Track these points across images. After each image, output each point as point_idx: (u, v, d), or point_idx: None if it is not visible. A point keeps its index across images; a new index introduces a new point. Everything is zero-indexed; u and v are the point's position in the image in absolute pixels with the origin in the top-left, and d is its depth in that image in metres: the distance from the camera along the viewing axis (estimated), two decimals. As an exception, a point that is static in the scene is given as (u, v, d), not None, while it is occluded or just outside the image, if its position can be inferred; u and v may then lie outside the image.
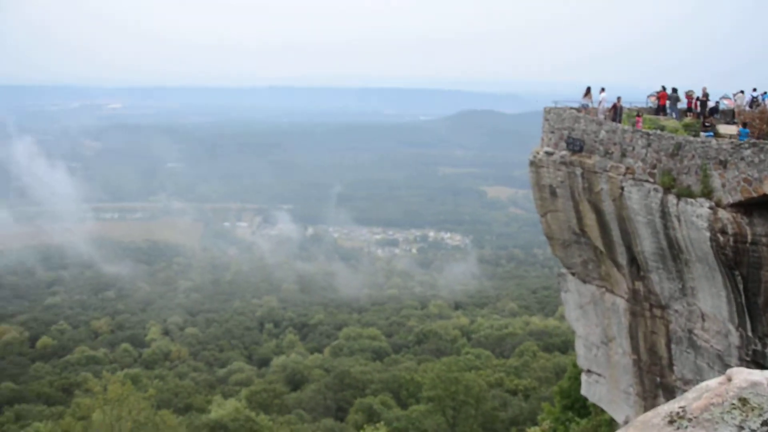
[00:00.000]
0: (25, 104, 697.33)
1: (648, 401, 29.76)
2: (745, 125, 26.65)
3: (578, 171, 29.79)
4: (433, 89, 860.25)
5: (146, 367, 78.33)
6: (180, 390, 63.48)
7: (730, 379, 5.78)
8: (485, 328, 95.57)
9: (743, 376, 5.82)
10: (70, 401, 56.83)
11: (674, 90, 34.21)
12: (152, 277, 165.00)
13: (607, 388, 33.90)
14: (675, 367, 27.98)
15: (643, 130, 27.69)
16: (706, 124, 29.18)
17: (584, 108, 32.49)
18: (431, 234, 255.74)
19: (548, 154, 31.86)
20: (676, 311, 27.21)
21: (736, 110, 30.55)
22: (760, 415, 5.28)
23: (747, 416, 5.31)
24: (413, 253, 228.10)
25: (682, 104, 34.31)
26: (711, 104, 31.24)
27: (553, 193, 32.13)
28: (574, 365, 41.53)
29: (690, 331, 26.58)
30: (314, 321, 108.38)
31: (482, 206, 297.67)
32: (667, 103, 33.75)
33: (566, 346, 73.49)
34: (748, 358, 23.24)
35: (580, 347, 36.20)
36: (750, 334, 23.82)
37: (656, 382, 29.40)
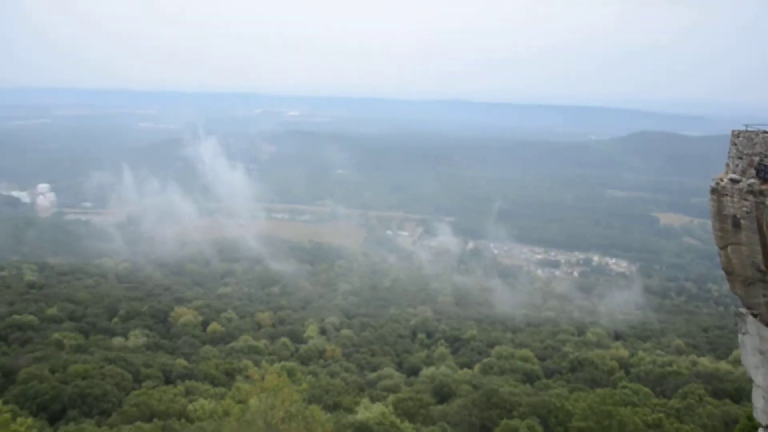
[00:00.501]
0: (214, 110, 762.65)
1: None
2: None
3: (768, 202, 27.06)
4: (607, 108, 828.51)
5: (301, 362, 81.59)
6: (330, 388, 65.37)
7: None
8: (646, 363, 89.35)
9: None
10: (231, 384, 60.52)
11: None
12: (314, 277, 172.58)
13: (788, 448, 30.34)
14: None
15: None
16: None
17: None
18: (595, 258, 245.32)
19: (734, 181, 29.20)
20: None
21: None
22: None
23: None
24: (574, 276, 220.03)
25: None
26: None
27: (737, 225, 29.40)
28: (749, 418, 37.56)
29: None
30: (467, 336, 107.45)
31: (652, 233, 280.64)
32: None
33: (740, 395, 66.94)
34: None
35: (758, 399, 32.68)
36: None
37: None
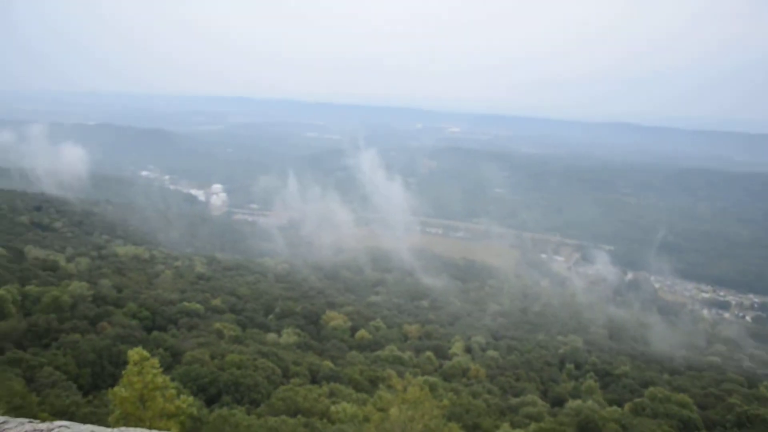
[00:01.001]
0: (377, 123, 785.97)
1: None
2: None
3: None
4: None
5: (444, 379, 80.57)
6: (471, 408, 63.83)
7: None
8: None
9: None
10: (373, 391, 60.84)
11: None
12: (464, 294, 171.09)
13: None
14: None
15: None
16: None
17: None
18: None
19: None
20: None
21: None
22: None
23: None
24: (747, 320, 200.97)
25: None
26: None
27: None
28: None
29: None
30: (618, 371, 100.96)
31: None
32: None
33: None
34: None
35: None
36: None
37: None
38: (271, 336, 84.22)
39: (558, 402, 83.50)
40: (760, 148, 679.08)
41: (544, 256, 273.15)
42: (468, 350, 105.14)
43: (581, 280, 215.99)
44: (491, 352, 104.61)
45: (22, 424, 11.50)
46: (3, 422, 11.53)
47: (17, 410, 22.66)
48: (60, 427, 11.31)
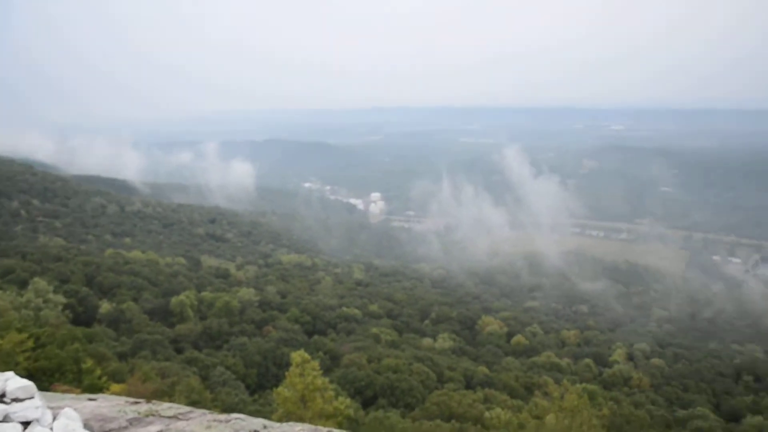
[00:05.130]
0: (534, 124, 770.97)
1: None
2: None
3: None
4: None
5: (604, 387, 77.81)
6: (633, 419, 61.33)
7: None
8: None
9: None
10: (529, 399, 60.52)
11: None
12: (626, 299, 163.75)
13: None
14: None
15: None
16: None
17: None
18: None
19: None
20: None
21: None
22: None
23: None
24: None
25: None
26: None
27: None
28: None
29: None
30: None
31: None
32: None
33: None
34: None
35: None
36: None
37: None
38: (427, 341, 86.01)
39: (734, 417, 77.75)
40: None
41: (716, 258, 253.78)
42: (630, 358, 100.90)
43: (761, 283, 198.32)
44: (656, 361, 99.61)
45: (204, 414, 13.57)
46: (189, 411, 13.66)
47: (194, 405, 25.53)
48: (236, 419, 13.21)
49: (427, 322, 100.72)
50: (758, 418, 74.10)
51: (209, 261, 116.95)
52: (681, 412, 73.71)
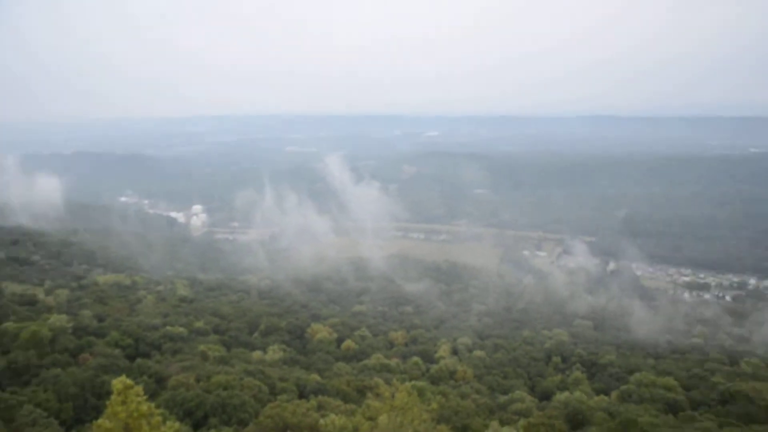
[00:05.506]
0: (357, 132, 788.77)
1: None
2: None
3: None
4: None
5: (432, 382, 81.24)
6: (460, 409, 64.69)
7: None
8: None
9: None
10: (362, 401, 61.52)
11: None
12: (448, 297, 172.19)
13: None
14: None
15: None
16: None
17: None
18: (751, 281, 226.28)
19: None
20: None
21: None
22: None
23: None
24: (726, 300, 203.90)
25: None
26: None
27: None
28: None
29: None
30: (604, 361, 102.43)
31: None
32: None
33: None
34: None
35: None
36: None
37: None
38: (257, 354, 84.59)
39: (546, 396, 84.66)
40: (734, 132, 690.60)
41: (526, 252, 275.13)
42: (455, 352, 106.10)
43: (564, 273, 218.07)
44: (478, 353, 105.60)
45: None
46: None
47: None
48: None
49: (256, 334, 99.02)
50: (566, 394, 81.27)
51: (12, 287, 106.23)
52: (502, 398, 78.79)
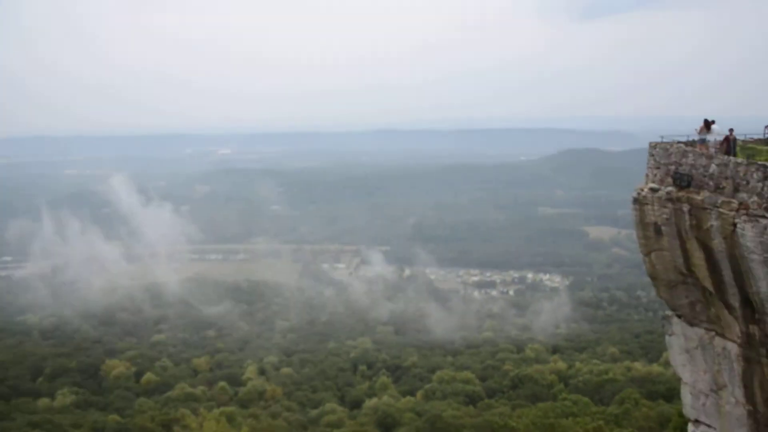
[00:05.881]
0: (142, 152, 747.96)
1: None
2: None
3: (685, 207, 27.91)
4: (535, 128, 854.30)
5: (241, 406, 79.36)
6: (272, 429, 63.81)
7: None
8: (584, 373, 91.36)
9: None
10: (168, 436, 58.13)
11: (792, 119, 32.01)
12: (251, 316, 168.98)
13: (718, 440, 31.09)
14: (799, 422, 25.30)
15: (760, 162, 25.74)
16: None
17: (701, 143, 30.73)
18: (529, 276, 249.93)
19: (653, 190, 30.13)
20: (797, 358, 24.69)
21: None
22: None
23: None
24: (510, 295, 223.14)
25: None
26: None
27: (658, 232, 30.23)
28: (680, 415, 38.62)
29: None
30: (407, 363, 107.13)
31: (583, 247, 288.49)
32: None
33: (671, 394, 68.99)
34: None
35: (686, 395, 33.53)
36: None
37: (776, 437, 26.65)
38: (44, 401, 76.72)
39: (356, 404, 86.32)
40: (507, 142, 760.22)
41: (325, 265, 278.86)
42: (262, 372, 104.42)
43: (363, 283, 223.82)
44: (285, 370, 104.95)
45: None
46: None
47: None
48: None
49: (41, 379, 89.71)
50: (374, 400, 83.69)
51: None
52: (313, 412, 78.98)
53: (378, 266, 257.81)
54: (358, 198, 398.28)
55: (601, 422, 58.97)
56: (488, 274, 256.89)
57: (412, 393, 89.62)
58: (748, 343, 27.12)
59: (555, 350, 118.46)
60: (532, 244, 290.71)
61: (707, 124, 31.25)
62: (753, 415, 27.94)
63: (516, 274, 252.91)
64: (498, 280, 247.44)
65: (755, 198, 24.62)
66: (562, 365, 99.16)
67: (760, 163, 25.43)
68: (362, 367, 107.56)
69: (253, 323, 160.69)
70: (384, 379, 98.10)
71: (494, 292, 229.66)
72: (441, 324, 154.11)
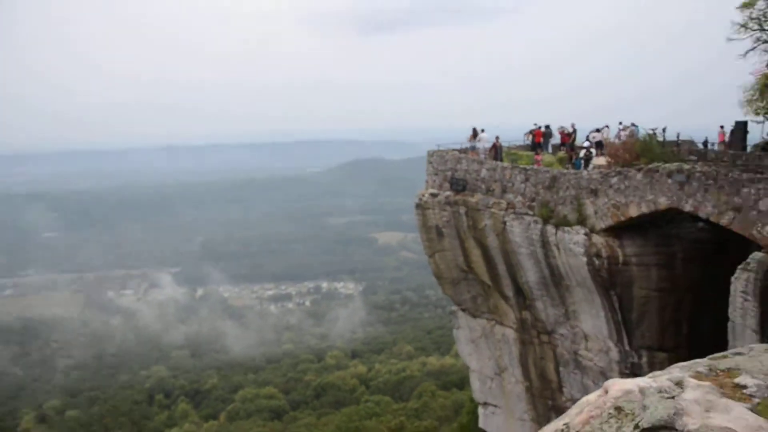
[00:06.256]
0: None
1: (542, 426, 30.43)
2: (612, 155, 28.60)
3: (462, 210, 30.59)
4: (321, 140, 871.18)
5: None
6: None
7: (606, 391, 5.96)
8: (383, 373, 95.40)
9: (617, 386, 6.03)
10: None
11: (547, 126, 36.35)
12: (26, 358, 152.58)
13: (503, 417, 34.42)
14: (564, 389, 28.89)
15: (521, 165, 29.01)
16: (576, 156, 31.02)
17: (472, 149, 33.72)
18: (324, 285, 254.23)
19: (433, 195, 32.59)
20: (562, 335, 28.21)
21: (604, 142, 32.65)
22: (633, 419, 5.48)
23: (622, 423, 5.49)
24: (307, 305, 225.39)
25: (555, 140, 36.52)
26: (592, 138, 33.31)
27: (440, 234, 32.74)
28: (471, 400, 42.03)
29: (575, 353, 27.60)
30: (207, 386, 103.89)
31: (373, 253, 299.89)
32: (542, 139, 35.84)
33: (463, 383, 74.29)
34: (627, 371, 24.47)
35: (474, 381, 36.69)
36: (627, 348, 25.15)
37: (548, 406, 30.19)
38: None
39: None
40: (293, 155, 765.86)
41: (111, 293, 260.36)
42: (42, 419, 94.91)
43: (154, 308, 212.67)
44: (71, 412, 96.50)
45: None
46: None
47: None
48: None
49: None
50: (175, 429, 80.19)
51: None
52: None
53: (168, 289, 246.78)
54: (143, 219, 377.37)
55: (402, 418, 62.11)
56: (283, 287, 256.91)
57: (214, 416, 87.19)
58: (522, 327, 30.40)
59: (354, 355, 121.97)
60: (325, 253, 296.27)
61: (475, 133, 34.57)
62: (529, 390, 31.35)
63: (311, 285, 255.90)
64: (294, 292, 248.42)
65: (519, 198, 27.77)
66: (362, 369, 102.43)
67: (521, 166, 28.75)
68: (159, 397, 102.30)
69: (28, 366, 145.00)
70: (184, 405, 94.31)
71: (291, 305, 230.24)
72: (239, 342, 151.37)
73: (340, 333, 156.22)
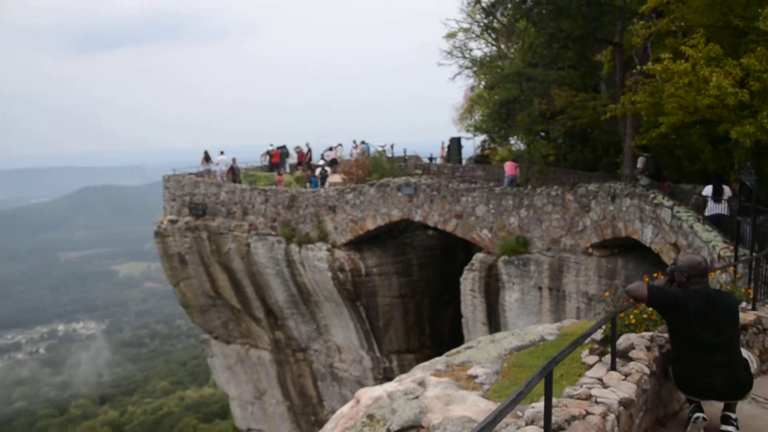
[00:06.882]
0: None
1: (308, 443, 31.00)
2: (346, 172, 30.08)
3: (204, 235, 29.93)
4: (44, 168, 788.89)
5: None
6: None
7: (358, 401, 6.27)
8: (138, 415, 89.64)
9: (368, 394, 6.39)
10: None
11: (283, 147, 37.06)
12: None
13: (269, 441, 34.32)
14: (325, 402, 29.73)
15: (260, 186, 29.19)
16: (313, 174, 32.09)
17: (207, 173, 33.01)
18: (60, 328, 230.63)
19: (172, 222, 31.36)
20: (316, 350, 29.00)
21: (338, 160, 34.19)
22: (384, 425, 5.84)
23: (375, 429, 5.83)
24: (41, 353, 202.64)
25: (293, 159, 37.34)
26: (326, 157, 34.62)
27: (183, 261, 31.66)
28: (235, 428, 41.21)
29: (331, 366, 28.55)
30: None
31: (114, 287, 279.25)
32: (279, 159, 36.41)
33: (225, 412, 72.68)
34: (381, 377, 25.92)
35: (235, 408, 36.16)
36: (378, 354, 26.66)
37: (311, 422, 30.83)
38: None
39: None
40: (11, 185, 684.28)
41: None
42: None
43: None
44: None
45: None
46: None
47: None
48: None
49: None
50: None
51: None
52: None
53: None
54: None
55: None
56: (10, 335, 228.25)
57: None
58: (276, 347, 30.61)
59: (103, 400, 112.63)
60: (59, 293, 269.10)
61: (207, 156, 34.13)
62: (291, 408, 31.65)
63: (44, 329, 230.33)
64: (24, 340, 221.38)
65: (261, 219, 27.96)
66: (113, 414, 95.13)
67: (260, 187, 28.97)
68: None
69: None
70: None
71: (21, 355, 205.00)
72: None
73: (84, 379, 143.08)
